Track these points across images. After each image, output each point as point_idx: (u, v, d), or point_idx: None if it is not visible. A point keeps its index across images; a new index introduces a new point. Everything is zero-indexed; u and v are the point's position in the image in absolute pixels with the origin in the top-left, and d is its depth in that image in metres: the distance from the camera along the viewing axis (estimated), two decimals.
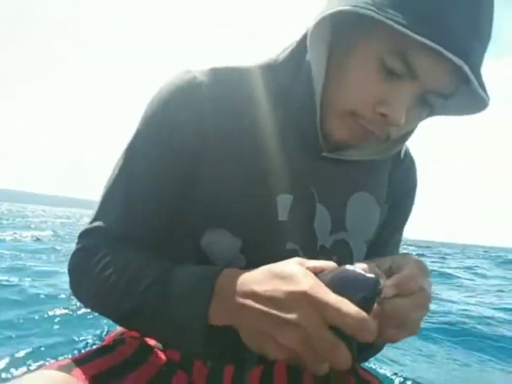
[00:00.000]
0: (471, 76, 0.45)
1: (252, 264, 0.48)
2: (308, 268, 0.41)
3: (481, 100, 0.49)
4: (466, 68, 0.44)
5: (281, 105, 0.57)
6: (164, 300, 0.47)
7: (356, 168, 0.60)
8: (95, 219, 0.57)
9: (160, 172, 0.56)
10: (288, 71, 0.57)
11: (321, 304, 0.37)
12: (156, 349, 0.61)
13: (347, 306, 0.36)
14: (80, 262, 0.56)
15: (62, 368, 0.49)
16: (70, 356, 0.59)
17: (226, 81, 0.56)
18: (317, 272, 0.41)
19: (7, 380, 1.34)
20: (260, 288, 0.41)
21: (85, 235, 0.57)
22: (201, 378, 0.59)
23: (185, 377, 0.59)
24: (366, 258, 0.63)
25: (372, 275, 0.39)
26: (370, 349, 0.59)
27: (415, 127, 0.57)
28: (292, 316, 0.38)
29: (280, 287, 0.39)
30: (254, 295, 0.41)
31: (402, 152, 0.67)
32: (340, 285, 0.39)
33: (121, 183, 0.57)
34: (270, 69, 0.58)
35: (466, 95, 0.51)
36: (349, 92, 0.51)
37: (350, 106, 0.51)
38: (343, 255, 0.60)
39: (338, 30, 0.52)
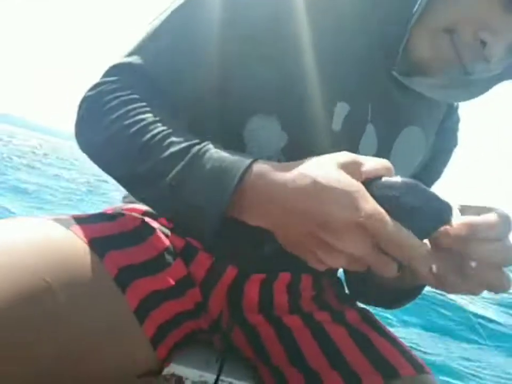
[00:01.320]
0: None
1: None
2: (359, 174, 0.36)
3: None
4: None
5: (366, 6, 0.52)
6: (189, 173, 0.40)
7: (416, 101, 0.56)
8: (131, 53, 0.49)
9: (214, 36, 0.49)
10: None
11: (379, 239, 0.34)
12: (158, 232, 0.54)
13: (408, 240, 0.33)
14: (97, 98, 0.46)
15: (59, 221, 0.46)
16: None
17: None
18: (372, 178, 0.36)
19: None
20: (307, 205, 0.35)
21: (113, 69, 0.48)
22: (200, 270, 0.54)
23: (182, 267, 0.53)
24: None
25: (444, 199, 0.34)
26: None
27: (491, 81, 0.53)
28: (343, 245, 0.34)
29: (331, 210, 0.34)
30: (299, 212, 0.36)
31: (455, 104, 0.65)
32: (403, 209, 0.33)
33: (173, 24, 0.50)
34: None
35: None
36: (457, 9, 0.47)
37: (451, 24, 0.48)
38: None
39: None
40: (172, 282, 0.51)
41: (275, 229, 0.39)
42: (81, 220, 0.48)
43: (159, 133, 0.42)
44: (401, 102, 0.56)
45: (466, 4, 0.47)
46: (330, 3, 0.51)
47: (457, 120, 0.66)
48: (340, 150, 0.46)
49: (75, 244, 0.44)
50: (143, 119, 0.43)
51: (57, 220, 0.46)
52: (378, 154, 0.53)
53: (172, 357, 0.52)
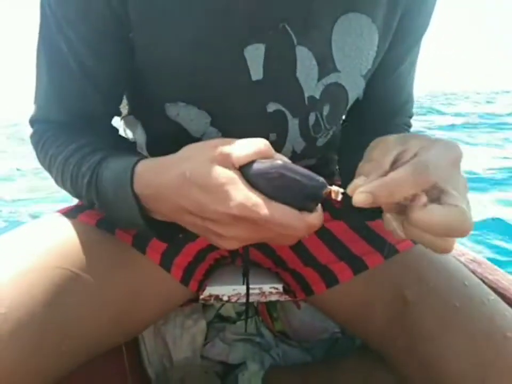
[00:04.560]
0: None
1: (229, 136, 0.41)
2: (232, 163, 0.35)
3: None
4: None
5: None
6: (101, 201, 0.44)
7: None
8: (34, 102, 0.53)
9: (85, 41, 0.45)
10: None
11: (257, 221, 0.34)
12: None
13: (286, 220, 0.33)
14: (35, 148, 0.53)
15: (67, 215, 0.52)
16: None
17: None
18: (245, 165, 0.35)
19: None
20: (184, 203, 0.36)
21: (31, 121, 0.54)
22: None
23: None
24: (370, 92, 0.55)
25: (315, 176, 0.35)
26: None
27: None
28: (228, 233, 0.36)
29: (208, 206, 0.35)
30: (181, 209, 0.37)
31: None
32: (271, 188, 0.35)
33: (43, 60, 0.48)
34: None
35: None
36: None
37: None
38: (337, 101, 0.52)
39: None
40: None
41: (179, 223, 0.41)
42: (83, 207, 0.54)
43: (72, 171, 0.46)
44: None
45: None
46: None
47: None
48: (275, 95, 0.48)
49: (86, 230, 0.50)
50: (59, 164, 0.48)
51: (64, 214, 0.53)
52: (322, 73, 0.49)
53: (206, 283, 0.61)
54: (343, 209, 0.57)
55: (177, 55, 0.45)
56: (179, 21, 0.43)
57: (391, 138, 0.38)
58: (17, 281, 0.41)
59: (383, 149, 0.37)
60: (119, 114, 0.57)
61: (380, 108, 0.59)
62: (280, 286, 0.63)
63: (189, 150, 0.38)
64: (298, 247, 0.60)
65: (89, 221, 0.52)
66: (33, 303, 0.40)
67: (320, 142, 0.56)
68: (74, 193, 0.49)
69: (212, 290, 0.62)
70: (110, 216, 0.47)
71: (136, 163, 0.41)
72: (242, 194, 0.33)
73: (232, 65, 0.45)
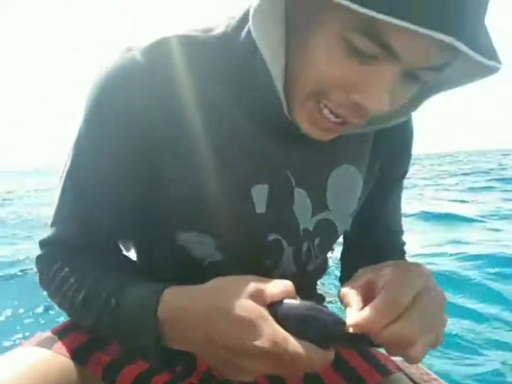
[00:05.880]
0: (466, 49, 0.35)
1: (229, 258, 0.53)
2: (263, 300, 0.39)
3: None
4: (457, 44, 0.35)
5: (241, 85, 0.49)
6: (117, 324, 0.46)
7: (337, 143, 0.53)
8: (52, 225, 0.54)
9: (109, 178, 0.52)
10: (246, 47, 0.47)
11: (282, 357, 0.37)
12: None
13: (309, 355, 0.37)
14: (42, 269, 0.55)
15: (42, 344, 0.52)
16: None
17: (173, 61, 0.48)
18: (275, 302, 0.39)
19: None
20: (213, 332, 0.38)
21: (44, 243, 0.55)
22: None
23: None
24: (355, 231, 0.65)
25: (332, 316, 0.39)
26: None
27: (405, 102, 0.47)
28: (252, 366, 0.38)
29: (238, 340, 0.37)
30: (209, 340, 0.39)
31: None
32: (299, 326, 0.38)
33: (69, 189, 0.53)
34: (226, 41, 0.49)
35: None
36: (312, 74, 0.42)
37: (313, 88, 0.43)
38: (327, 234, 0.59)
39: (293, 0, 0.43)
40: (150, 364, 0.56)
41: (198, 353, 0.43)
42: (61, 333, 0.55)
43: (83, 297, 0.48)
44: (318, 151, 0.54)
45: (319, 65, 0.41)
46: (200, 100, 0.49)
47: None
48: (275, 227, 0.54)
49: (59, 362, 0.50)
50: (71, 285, 0.49)
51: (39, 344, 0.52)
52: (315, 210, 0.56)
53: None
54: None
55: (198, 193, 0.51)
56: (200, 166, 0.50)
57: (369, 268, 0.45)
58: None
59: (360, 278, 0.43)
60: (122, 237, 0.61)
61: (369, 243, 0.69)
62: None
63: (223, 281, 0.41)
64: (277, 381, 0.60)
65: (63, 351, 0.51)
66: None
67: (310, 267, 0.61)
68: (82, 312, 0.49)
69: None
70: (117, 338, 0.49)
71: (163, 289, 0.43)
72: (274, 331, 0.37)
73: (241, 200, 0.52)
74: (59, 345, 0.52)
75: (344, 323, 0.39)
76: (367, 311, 0.38)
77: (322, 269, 0.67)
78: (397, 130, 0.59)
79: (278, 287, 0.40)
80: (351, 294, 0.42)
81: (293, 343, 0.37)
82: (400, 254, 0.71)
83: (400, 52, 0.37)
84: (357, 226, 0.65)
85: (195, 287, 0.43)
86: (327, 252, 0.64)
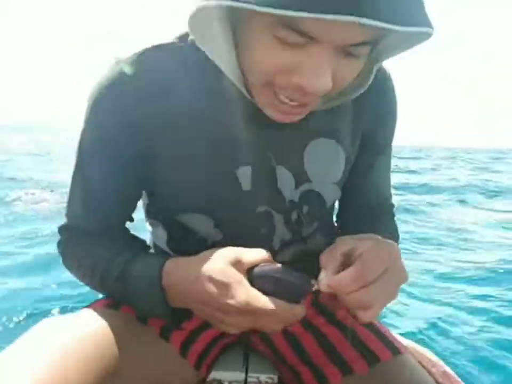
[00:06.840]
0: (377, 23, 0.36)
1: (228, 236, 0.62)
2: (242, 266, 0.48)
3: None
4: (363, 20, 0.35)
5: (213, 80, 0.55)
6: (128, 294, 0.55)
7: (309, 118, 0.56)
8: (66, 214, 0.65)
9: (111, 172, 0.59)
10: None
11: (255, 312, 0.45)
12: None
13: (277, 311, 0.45)
14: (63, 253, 0.66)
15: (109, 306, 0.60)
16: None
17: (161, 68, 0.55)
18: (252, 267, 0.48)
19: None
20: (202, 294, 0.47)
21: (61, 230, 0.66)
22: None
23: None
24: (347, 195, 0.71)
25: (300, 277, 0.47)
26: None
27: (354, 76, 0.48)
28: (231, 321, 0.47)
29: (219, 298, 0.46)
30: (199, 300, 0.49)
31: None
32: (271, 286, 0.47)
33: (78, 182, 0.62)
34: (194, 43, 0.54)
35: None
36: (256, 65, 0.45)
37: (262, 78, 0.46)
38: (313, 203, 0.64)
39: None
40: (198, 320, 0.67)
41: (194, 311, 0.52)
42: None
43: (101, 274, 0.57)
44: (295, 129, 0.59)
45: (259, 58, 0.44)
46: (182, 98, 0.55)
47: (382, 88, 0.64)
48: (262, 200, 0.60)
49: (127, 319, 0.59)
50: (88, 266, 0.59)
51: (106, 307, 0.60)
52: (297, 183, 0.61)
53: (212, 367, 0.70)
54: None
55: (191, 179, 0.58)
56: (190, 155, 0.57)
57: (347, 238, 0.51)
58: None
59: (338, 247, 0.50)
60: (132, 220, 0.69)
61: (360, 206, 0.74)
62: (275, 377, 0.71)
63: (209, 253, 0.50)
64: (298, 346, 0.68)
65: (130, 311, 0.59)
66: None
67: (305, 232, 0.67)
68: (101, 287, 0.59)
69: (216, 374, 0.70)
70: (131, 304, 0.56)
71: (164, 262, 0.53)
72: (246, 292, 0.45)
73: (229, 181, 0.58)
74: (123, 307, 0.61)
75: (312, 283, 0.47)
76: (341, 276, 0.46)
77: (323, 226, 0.71)
78: (376, 100, 0.64)
79: (254, 254, 0.49)
80: (329, 259, 0.49)
81: (263, 301, 0.45)
82: (389, 216, 0.77)
83: (319, 36, 0.40)
84: (347, 192, 0.71)
85: (189, 258, 0.52)
86: (320, 219, 0.68)
